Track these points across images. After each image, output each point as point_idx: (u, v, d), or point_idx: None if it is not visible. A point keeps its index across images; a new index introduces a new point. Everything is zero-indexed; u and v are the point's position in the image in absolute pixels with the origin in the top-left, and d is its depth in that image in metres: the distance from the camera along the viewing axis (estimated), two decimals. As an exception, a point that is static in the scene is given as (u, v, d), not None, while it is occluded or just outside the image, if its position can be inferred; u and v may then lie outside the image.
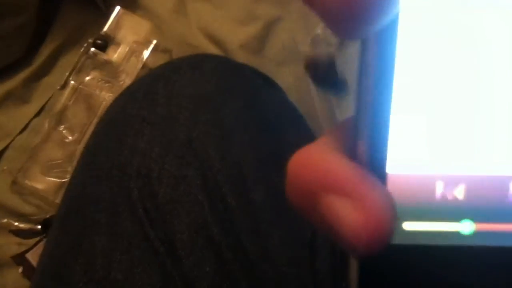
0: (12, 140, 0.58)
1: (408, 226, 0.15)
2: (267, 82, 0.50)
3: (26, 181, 0.54)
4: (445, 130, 0.15)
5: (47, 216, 0.53)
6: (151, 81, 0.45)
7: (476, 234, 0.15)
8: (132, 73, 0.61)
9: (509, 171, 0.15)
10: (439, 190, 0.15)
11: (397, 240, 0.15)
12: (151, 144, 0.40)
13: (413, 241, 0.15)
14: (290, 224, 0.42)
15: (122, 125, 0.42)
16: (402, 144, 0.15)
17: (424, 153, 0.15)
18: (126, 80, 0.60)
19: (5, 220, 0.52)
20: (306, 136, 0.48)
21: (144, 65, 0.61)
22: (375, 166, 0.15)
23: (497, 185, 0.15)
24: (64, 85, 0.58)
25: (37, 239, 0.53)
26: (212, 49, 0.62)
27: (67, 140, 0.57)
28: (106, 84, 0.59)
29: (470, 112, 0.15)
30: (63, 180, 0.56)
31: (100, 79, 0.60)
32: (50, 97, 0.60)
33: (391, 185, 0.15)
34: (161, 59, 0.62)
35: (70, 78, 0.58)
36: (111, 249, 0.37)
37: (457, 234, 0.15)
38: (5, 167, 0.56)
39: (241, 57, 0.60)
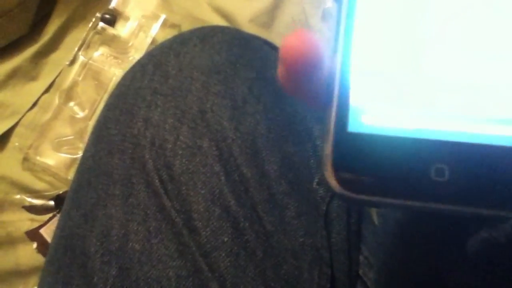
0: (22, 117, 0.57)
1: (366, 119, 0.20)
2: (277, 51, 0.49)
3: (37, 158, 0.54)
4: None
5: (60, 192, 0.52)
6: (161, 53, 0.44)
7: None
8: (141, 48, 0.60)
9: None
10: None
11: (359, 129, 0.19)
12: (165, 115, 0.40)
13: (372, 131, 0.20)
14: (304, 195, 0.41)
15: (133, 97, 0.42)
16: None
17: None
18: (135, 56, 0.59)
19: (18, 196, 0.52)
20: None
21: (153, 40, 0.61)
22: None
23: None
24: (73, 61, 0.58)
25: (50, 215, 0.53)
26: (221, 23, 0.61)
27: (77, 116, 0.56)
28: (115, 60, 0.58)
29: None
30: (74, 156, 0.55)
31: (109, 55, 0.59)
32: (59, 73, 0.59)
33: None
34: (170, 34, 0.62)
35: (80, 53, 0.57)
36: (127, 220, 0.37)
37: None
38: (16, 144, 0.55)
39: (251, 31, 0.59)
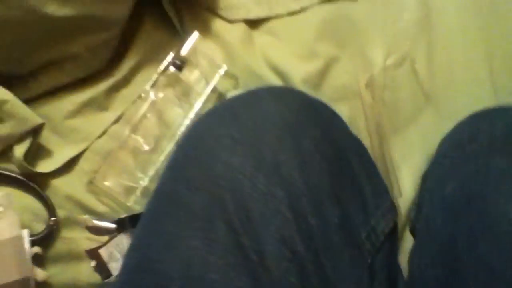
0: (91, 143, 0.63)
1: None
2: (335, 115, 0.55)
3: (101, 182, 0.59)
4: None
5: (121, 216, 0.57)
6: (238, 105, 0.50)
7: None
8: (202, 94, 0.66)
9: None
10: None
11: None
12: (243, 162, 0.45)
13: None
14: (354, 247, 0.47)
15: (214, 141, 0.46)
16: None
17: None
18: (196, 100, 0.65)
19: (84, 216, 0.57)
20: (368, 163, 0.53)
21: (214, 88, 0.67)
22: None
23: None
24: (142, 98, 0.64)
25: (107, 237, 0.58)
26: (276, 81, 0.68)
27: (142, 149, 0.62)
28: (178, 101, 0.65)
29: None
30: (134, 185, 0.60)
31: (173, 96, 0.65)
32: (127, 107, 0.65)
33: None
34: (228, 84, 0.68)
35: (150, 91, 0.63)
36: (208, 252, 0.42)
37: None
38: (85, 168, 0.60)
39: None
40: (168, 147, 0.63)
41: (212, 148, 0.46)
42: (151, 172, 0.62)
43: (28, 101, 0.59)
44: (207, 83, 0.67)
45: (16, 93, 0.58)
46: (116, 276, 0.55)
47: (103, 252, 0.56)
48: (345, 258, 0.45)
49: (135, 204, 0.60)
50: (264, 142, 0.46)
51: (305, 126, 0.49)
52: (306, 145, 0.47)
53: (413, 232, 0.59)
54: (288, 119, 0.48)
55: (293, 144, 0.47)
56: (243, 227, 0.42)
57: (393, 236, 0.53)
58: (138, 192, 0.61)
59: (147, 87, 0.64)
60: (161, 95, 0.66)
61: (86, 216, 0.57)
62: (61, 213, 0.59)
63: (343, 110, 0.59)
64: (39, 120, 0.58)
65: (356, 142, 0.54)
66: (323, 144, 0.49)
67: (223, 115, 0.48)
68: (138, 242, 0.46)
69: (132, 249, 0.46)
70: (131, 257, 0.45)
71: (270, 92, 0.51)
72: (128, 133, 0.62)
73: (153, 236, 0.44)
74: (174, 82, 0.66)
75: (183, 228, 0.43)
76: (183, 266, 0.41)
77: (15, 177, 0.59)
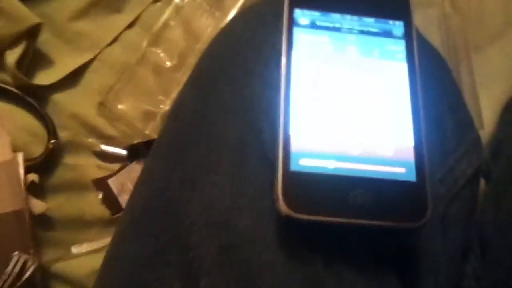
0: (100, 52, 0.52)
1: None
2: None
3: (115, 104, 0.49)
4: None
5: (134, 142, 0.48)
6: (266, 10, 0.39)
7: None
8: (236, 2, 0.54)
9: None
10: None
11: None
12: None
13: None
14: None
15: (249, 50, 0.37)
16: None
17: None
18: (231, 9, 0.53)
19: (90, 140, 0.47)
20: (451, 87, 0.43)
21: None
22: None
23: None
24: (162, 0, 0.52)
25: (119, 165, 0.48)
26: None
27: (164, 65, 0.51)
28: (209, 9, 0.53)
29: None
30: (154, 109, 0.50)
31: (203, 1, 0.53)
32: (144, 9, 0.54)
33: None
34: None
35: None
36: (237, 193, 0.32)
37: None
38: (95, 85, 0.50)
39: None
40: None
41: (246, 60, 0.36)
42: (174, 94, 0.51)
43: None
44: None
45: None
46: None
47: (112, 182, 0.47)
48: None
49: (154, 133, 0.49)
50: None
51: None
52: None
53: (487, 175, 0.48)
54: None
55: None
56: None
57: (475, 181, 0.42)
58: (158, 118, 0.50)
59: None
60: (188, -1, 0.54)
61: (93, 140, 0.47)
62: (64, 134, 0.50)
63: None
64: (36, 20, 0.49)
65: (437, 58, 0.43)
66: None
67: (265, 15, 0.38)
68: (157, 177, 0.37)
69: (146, 184, 0.37)
70: (144, 192, 0.36)
71: None
72: (146, 44, 0.51)
73: (178, 170, 0.35)
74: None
75: (215, 162, 0.34)
76: (207, 209, 0.32)
77: (10, 90, 0.50)
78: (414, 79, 0.35)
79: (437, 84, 0.41)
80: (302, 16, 0.35)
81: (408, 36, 0.36)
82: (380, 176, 0.31)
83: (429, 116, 0.39)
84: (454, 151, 0.41)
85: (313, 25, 0.35)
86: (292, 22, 0.35)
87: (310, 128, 0.32)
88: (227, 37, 0.39)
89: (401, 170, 0.31)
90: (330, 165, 0.30)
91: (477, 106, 0.53)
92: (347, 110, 0.33)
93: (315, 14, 0.35)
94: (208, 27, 0.53)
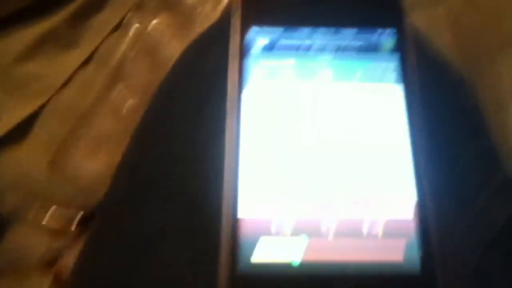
0: (52, 96, 0.44)
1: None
2: None
3: (68, 161, 0.40)
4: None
5: (90, 209, 0.39)
6: None
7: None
8: (208, 20, 0.46)
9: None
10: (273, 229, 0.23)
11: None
12: None
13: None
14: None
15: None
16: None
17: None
18: (201, 28, 0.45)
19: (34, 210, 0.39)
20: None
21: (225, 8, 0.47)
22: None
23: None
24: (122, 27, 0.44)
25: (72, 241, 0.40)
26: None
27: (125, 105, 0.43)
28: (178, 31, 0.45)
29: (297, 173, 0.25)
30: (114, 160, 0.41)
31: (169, 24, 0.45)
32: (101, 42, 0.46)
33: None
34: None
35: (133, 18, 0.43)
36: None
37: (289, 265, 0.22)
38: (43, 138, 0.42)
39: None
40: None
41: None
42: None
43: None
44: (217, 3, 0.47)
45: None
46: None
47: (62, 265, 0.39)
48: None
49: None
50: None
51: None
52: None
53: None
54: None
55: None
56: None
57: None
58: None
59: (127, 10, 0.44)
60: (154, 21, 0.46)
61: (37, 209, 0.39)
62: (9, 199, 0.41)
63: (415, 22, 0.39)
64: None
65: (445, 68, 0.35)
66: None
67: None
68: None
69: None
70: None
71: None
72: (103, 83, 0.43)
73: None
74: (169, 3, 0.47)
75: None
76: None
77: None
78: (412, 106, 0.26)
79: (445, 104, 0.33)
80: (260, 35, 0.27)
81: (401, 47, 0.27)
82: (366, 271, 0.22)
83: (439, 157, 0.30)
84: (479, 190, 0.32)
85: (273, 46, 0.26)
86: (245, 46, 0.26)
87: (266, 208, 0.24)
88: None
89: (398, 258, 0.22)
90: (295, 259, 0.23)
91: (506, 123, 0.43)
92: (321, 171, 0.25)
93: (277, 30, 0.27)
94: (175, 53, 0.44)
